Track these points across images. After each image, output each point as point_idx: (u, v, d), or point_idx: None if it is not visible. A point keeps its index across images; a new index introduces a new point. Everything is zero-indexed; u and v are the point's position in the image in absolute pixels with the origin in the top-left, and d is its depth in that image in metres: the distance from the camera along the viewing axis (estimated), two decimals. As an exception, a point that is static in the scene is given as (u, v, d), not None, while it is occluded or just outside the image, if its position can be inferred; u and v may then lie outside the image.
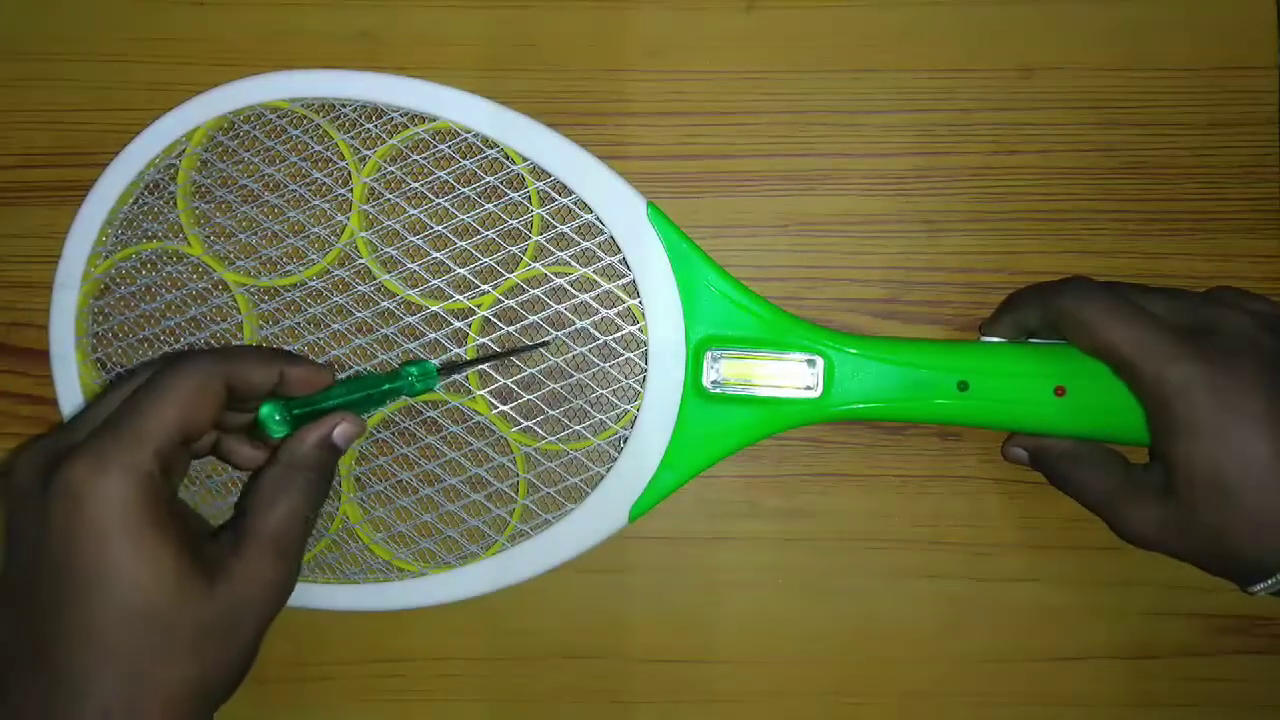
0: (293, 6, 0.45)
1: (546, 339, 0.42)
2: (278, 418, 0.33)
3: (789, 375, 0.40)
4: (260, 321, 0.43)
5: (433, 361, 0.39)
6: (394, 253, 0.42)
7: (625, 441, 0.40)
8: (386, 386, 0.37)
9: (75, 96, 0.45)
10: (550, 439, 0.41)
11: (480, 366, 0.42)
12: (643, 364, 0.41)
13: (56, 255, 0.45)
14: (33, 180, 0.45)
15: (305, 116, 0.42)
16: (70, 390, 0.41)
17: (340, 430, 0.34)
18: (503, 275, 0.41)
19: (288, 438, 0.34)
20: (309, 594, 0.41)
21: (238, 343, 0.42)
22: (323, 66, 0.45)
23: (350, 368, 0.42)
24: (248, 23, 0.45)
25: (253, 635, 0.32)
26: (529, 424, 0.42)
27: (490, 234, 0.42)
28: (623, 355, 0.41)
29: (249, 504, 0.33)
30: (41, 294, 0.45)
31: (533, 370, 0.42)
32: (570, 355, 0.42)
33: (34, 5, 0.46)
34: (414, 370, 0.37)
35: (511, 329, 0.41)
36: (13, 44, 0.46)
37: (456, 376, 0.41)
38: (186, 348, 0.42)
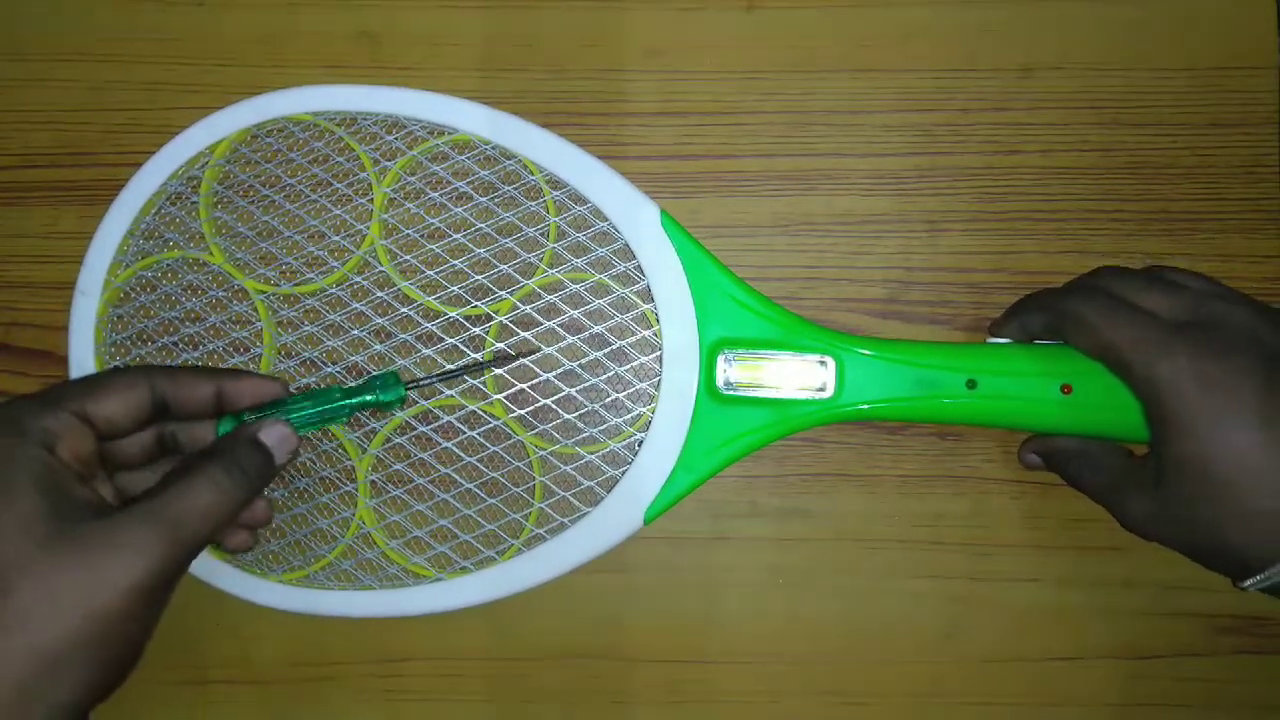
0: (292, 6, 0.45)
1: (519, 355, 0.41)
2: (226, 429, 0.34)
3: (801, 376, 0.40)
4: (279, 328, 0.43)
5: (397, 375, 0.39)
6: (413, 260, 0.42)
7: (640, 444, 0.40)
8: (344, 401, 0.37)
9: (75, 96, 0.45)
10: (566, 443, 0.42)
11: (449, 378, 0.41)
12: (657, 367, 0.41)
13: (57, 255, 0.45)
14: (33, 180, 0.45)
15: (327, 129, 0.42)
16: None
17: (268, 431, 0.34)
18: (520, 282, 0.42)
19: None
20: (325, 601, 0.41)
21: (256, 350, 0.42)
22: (322, 66, 0.45)
23: (367, 373, 0.42)
24: (248, 23, 0.45)
25: (117, 615, 0.29)
26: (545, 428, 0.42)
27: (508, 242, 0.42)
28: (637, 359, 0.42)
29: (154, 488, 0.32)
30: (42, 294, 0.45)
31: (549, 375, 0.42)
32: (586, 359, 0.42)
33: (34, 5, 0.46)
34: (377, 381, 0.38)
35: (528, 334, 0.42)
36: (13, 44, 0.46)
37: (414, 392, 0.41)
38: (205, 355, 0.43)
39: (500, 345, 0.42)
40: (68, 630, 0.28)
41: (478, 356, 0.41)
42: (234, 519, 0.32)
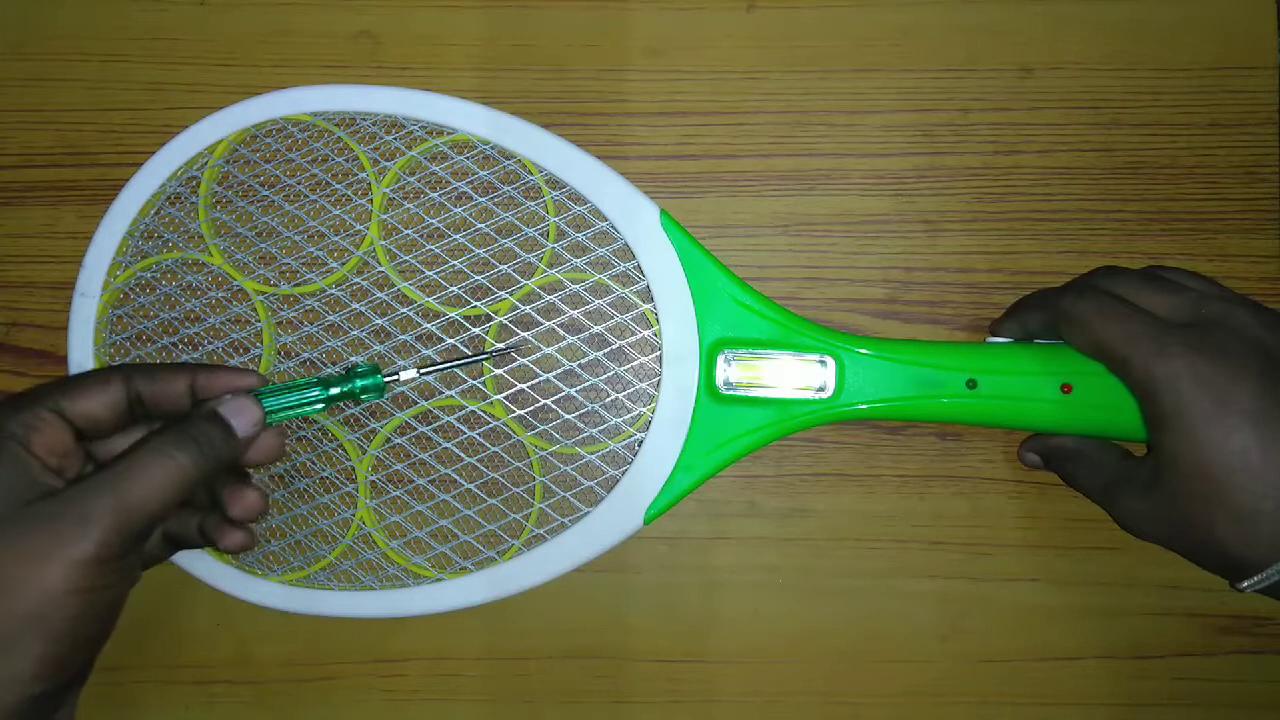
0: (292, 6, 0.45)
1: (506, 346, 0.41)
2: None
3: (801, 376, 0.40)
4: (279, 329, 0.43)
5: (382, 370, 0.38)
6: (413, 260, 0.42)
7: (640, 444, 0.40)
8: (314, 384, 0.36)
9: (75, 96, 0.45)
10: (566, 443, 0.42)
11: (433, 373, 0.40)
12: (657, 367, 0.41)
13: (56, 255, 0.45)
14: (33, 180, 0.45)
15: (326, 130, 0.42)
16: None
17: (227, 405, 0.34)
18: (520, 282, 0.42)
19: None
20: (325, 601, 0.41)
21: (256, 350, 0.42)
22: (322, 66, 0.45)
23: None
24: (248, 23, 0.45)
25: (67, 588, 0.29)
26: (545, 428, 0.42)
27: (507, 242, 0.42)
28: (637, 359, 0.42)
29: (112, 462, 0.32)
30: (41, 294, 0.45)
31: (549, 375, 0.42)
32: (586, 359, 0.42)
33: (34, 5, 0.46)
34: (357, 370, 0.37)
35: (528, 334, 0.42)
36: (13, 44, 0.46)
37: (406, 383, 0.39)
38: (204, 356, 0.43)
39: (497, 346, 0.42)
40: (13, 606, 0.29)
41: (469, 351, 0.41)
42: (189, 491, 0.32)
